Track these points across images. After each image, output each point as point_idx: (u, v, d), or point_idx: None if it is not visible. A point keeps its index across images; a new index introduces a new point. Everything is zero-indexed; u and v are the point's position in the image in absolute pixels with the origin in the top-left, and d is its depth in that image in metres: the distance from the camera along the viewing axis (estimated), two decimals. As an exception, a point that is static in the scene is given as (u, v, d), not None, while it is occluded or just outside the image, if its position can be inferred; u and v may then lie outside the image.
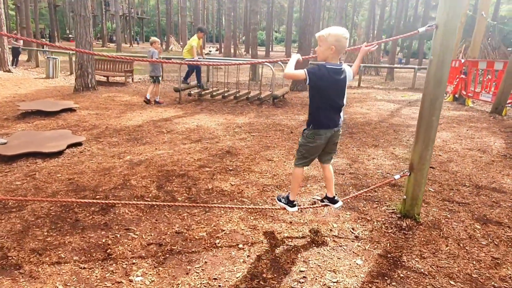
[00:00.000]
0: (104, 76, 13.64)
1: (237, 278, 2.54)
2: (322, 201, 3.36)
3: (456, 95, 10.98)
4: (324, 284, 2.49)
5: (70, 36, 54.97)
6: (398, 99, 11.33)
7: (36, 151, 4.68)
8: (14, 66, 16.86)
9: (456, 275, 2.64)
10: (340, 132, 3.02)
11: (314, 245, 2.98)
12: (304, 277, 2.56)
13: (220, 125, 6.92)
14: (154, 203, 3.46)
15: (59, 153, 4.83)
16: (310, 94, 2.89)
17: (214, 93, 9.42)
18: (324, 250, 2.91)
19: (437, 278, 2.60)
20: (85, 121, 6.90)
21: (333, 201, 3.21)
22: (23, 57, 20.34)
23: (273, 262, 2.73)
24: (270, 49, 43.42)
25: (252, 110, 8.46)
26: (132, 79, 14.35)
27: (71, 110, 7.61)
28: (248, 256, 2.80)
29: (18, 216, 3.22)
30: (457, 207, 3.65)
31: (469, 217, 3.46)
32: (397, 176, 3.34)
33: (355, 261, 2.77)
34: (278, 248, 2.91)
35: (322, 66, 2.71)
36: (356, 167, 4.70)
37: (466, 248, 2.99)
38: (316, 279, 2.55)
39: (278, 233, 3.15)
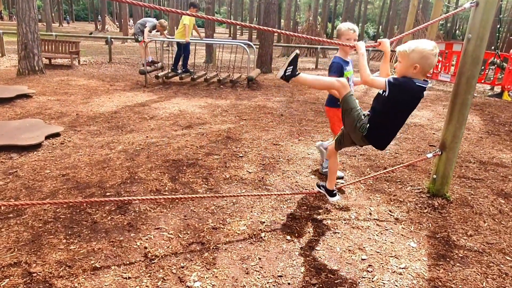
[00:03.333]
0: (46, 58, 12.23)
1: (302, 273, 2.34)
2: (319, 186, 3.14)
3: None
4: (394, 272, 2.39)
5: (-12, 13, 48.96)
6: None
7: (9, 144, 3.99)
8: None
9: (508, 250, 2.69)
10: None
11: (360, 230, 2.87)
12: (369, 265, 2.44)
13: (203, 108, 6.52)
14: (201, 195, 3.11)
15: (37, 145, 4.17)
16: (380, 104, 2.41)
17: (183, 76, 8.88)
18: (374, 235, 2.82)
19: (493, 255, 2.63)
20: (47, 108, 6.08)
21: (330, 193, 3.04)
22: None
23: (329, 252, 2.58)
24: (213, 31, 42.38)
25: (229, 93, 8.10)
26: (79, 61, 13.08)
27: (26, 96, 6.68)
28: (301, 248, 2.61)
29: (20, 223, 2.69)
30: (475, 184, 3.76)
31: (490, 193, 3.57)
32: (429, 155, 3.33)
33: (409, 244, 2.71)
34: (326, 237, 2.76)
35: (411, 81, 2.27)
36: (364, 148, 4.66)
37: (502, 223, 3.07)
38: (383, 267, 2.44)
39: (319, 221, 2.99)
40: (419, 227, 2.95)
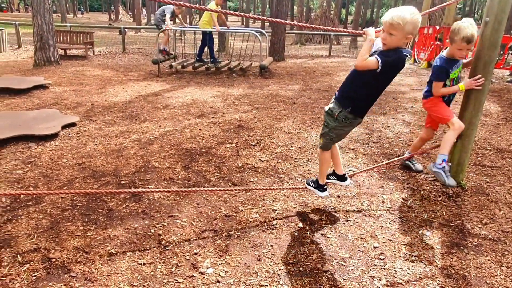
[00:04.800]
0: (62, 49, 12.39)
1: (314, 260, 2.36)
2: (328, 178, 3.04)
3: (431, 62, 11.25)
4: (406, 259, 2.38)
5: (3, 5, 49.77)
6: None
7: (28, 134, 4.09)
8: None
9: (524, 238, 2.65)
10: None
11: (373, 218, 2.86)
12: (382, 253, 2.44)
13: (215, 97, 6.53)
14: (213, 188, 3.15)
15: (54, 135, 4.27)
16: (363, 78, 2.41)
17: (196, 65, 8.88)
18: (386, 223, 2.81)
19: (508, 243, 2.59)
20: (63, 98, 6.20)
21: (342, 178, 2.98)
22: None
23: (341, 239, 2.58)
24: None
25: (242, 82, 8.08)
26: (93, 51, 13.22)
27: (43, 87, 6.81)
28: (313, 235, 2.62)
29: (39, 210, 2.78)
30: (491, 171, 3.69)
31: (507, 181, 3.50)
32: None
33: (422, 233, 2.69)
34: (338, 224, 2.76)
35: (401, 53, 2.28)
36: (377, 136, 4.62)
37: (518, 211, 3.02)
38: (395, 254, 2.43)
39: (331, 208, 2.99)
40: (432, 215, 2.92)
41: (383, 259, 2.39)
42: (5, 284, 2.05)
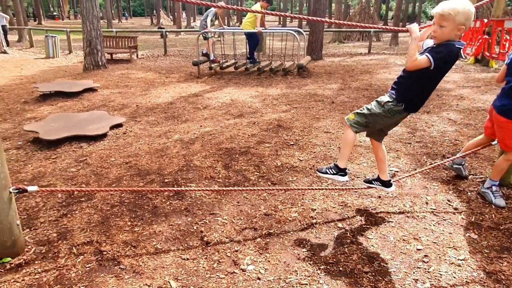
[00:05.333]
0: (108, 53, 13.04)
1: (354, 260, 2.34)
2: (370, 182, 2.93)
3: (479, 57, 10.67)
4: (452, 263, 2.31)
5: (55, 14, 53.02)
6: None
7: (80, 134, 4.37)
8: (7, 47, 16.07)
9: None
10: None
11: (415, 220, 2.79)
12: (425, 255, 2.38)
13: (254, 98, 6.61)
14: (256, 188, 3.22)
15: (103, 135, 4.53)
16: (418, 76, 2.32)
17: (237, 65, 9.02)
18: (430, 225, 2.72)
19: None
20: (111, 100, 6.54)
21: (386, 184, 2.83)
22: (12, 37, 19.47)
23: (382, 241, 2.54)
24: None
25: (280, 82, 8.11)
26: (137, 55, 13.79)
27: (92, 90, 7.22)
28: (353, 236, 2.60)
29: (91, 206, 2.97)
30: (547, 172, 3.46)
31: None
32: (494, 142, 3.12)
33: (469, 236, 2.59)
34: (380, 226, 2.72)
35: (452, 46, 2.19)
36: (420, 135, 4.47)
37: None
38: (439, 257, 2.36)
39: (372, 209, 2.95)
40: (480, 218, 2.80)
41: (427, 262, 2.33)
42: (63, 274, 2.22)
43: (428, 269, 2.26)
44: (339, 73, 9.15)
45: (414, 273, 2.22)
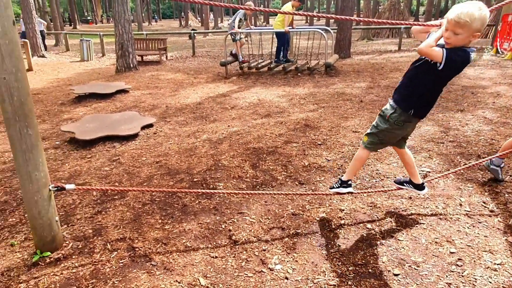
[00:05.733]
0: (139, 55, 13.41)
1: (384, 263, 2.30)
2: (401, 184, 2.89)
3: (517, 52, 10.16)
4: (488, 267, 2.22)
5: (88, 18, 55.03)
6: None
7: (113, 135, 4.54)
8: (45, 51, 16.84)
9: None
10: None
11: (449, 222, 2.70)
12: (459, 259, 2.30)
13: (281, 97, 6.61)
14: (280, 192, 3.24)
15: (135, 135, 4.67)
16: (428, 78, 2.27)
17: (260, 66, 9.04)
18: (464, 227, 2.63)
19: None
20: (141, 101, 6.73)
21: (419, 187, 2.78)
22: (49, 41, 20.36)
23: (413, 243, 2.48)
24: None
25: (307, 81, 8.06)
26: (166, 56, 14.09)
27: (124, 91, 7.46)
28: (382, 237, 2.55)
29: (124, 204, 3.07)
30: None
31: None
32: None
33: (506, 239, 2.48)
34: (411, 227, 2.65)
35: (468, 54, 2.11)
36: (453, 134, 4.32)
37: None
38: (474, 261, 2.28)
39: (402, 210, 2.88)
40: (519, 221, 2.68)
41: (461, 265, 2.25)
42: (98, 269, 2.32)
43: (462, 273, 2.18)
44: (368, 71, 8.98)
45: (447, 277, 2.16)
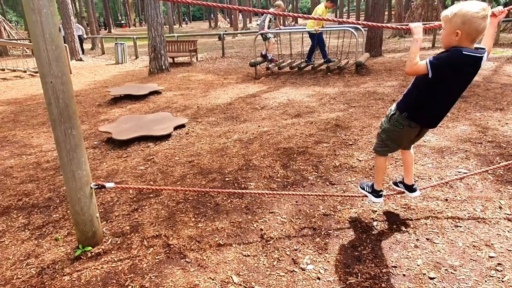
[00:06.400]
0: (170, 57, 13.73)
1: (418, 265, 2.26)
2: (396, 185, 2.88)
3: None
4: (530, 273, 2.13)
5: (122, 22, 56.90)
6: (490, 56, 10.11)
7: (147, 135, 4.69)
8: (83, 55, 17.58)
9: None
10: None
11: (487, 225, 2.61)
12: (499, 264, 2.22)
13: (311, 97, 6.58)
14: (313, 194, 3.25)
15: (168, 135, 4.81)
16: (421, 84, 2.24)
17: (292, 65, 9.02)
18: (504, 231, 2.53)
19: None
20: (173, 102, 6.90)
21: (410, 189, 2.73)
22: (86, 45, 21.21)
23: (450, 246, 2.41)
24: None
25: (337, 80, 7.97)
26: (197, 58, 14.34)
27: (157, 92, 7.67)
28: (417, 239, 2.50)
29: (159, 202, 3.18)
30: None
31: None
32: None
33: (550, 244, 2.37)
34: (446, 230, 2.58)
35: (456, 53, 2.01)
36: (492, 134, 4.15)
37: None
38: (515, 266, 2.20)
39: (438, 212, 2.81)
40: None
41: (501, 270, 2.17)
42: (135, 264, 2.41)
43: (502, 278, 2.11)
44: (400, 70, 8.76)
45: (486, 282, 2.09)
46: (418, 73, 2.15)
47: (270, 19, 9.11)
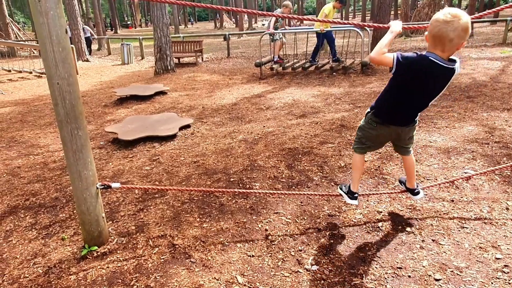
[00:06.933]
0: (176, 57, 13.77)
1: (424, 267, 2.25)
2: (402, 183, 2.88)
3: None
4: (538, 275, 2.11)
5: (128, 23, 57.23)
6: (498, 56, 10.06)
7: (152, 135, 4.72)
8: (89, 55, 17.71)
9: None
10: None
11: (494, 226, 2.58)
12: (505, 265, 2.20)
13: (316, 97, 6.57)
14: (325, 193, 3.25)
15: (173, 136, 4.83)
16: (391, 83, 2.29)
17: (296, 66, 9.02)
18: (511, 232, 2.51)
19: None
20: (179, 102, 6.93)
21: (413, 192, 2.73)
22: (93, 46, 21.36)
23: (456, 247, 2.40)
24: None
25: (342, 80, 7.96)
26: (202, 58, 14.38)
27: (162, 93, 7.71)
28: (422, 240, 2.49)
29: (164, 202, 3.19)
30: None
31: None
32: None
33: (559, 246, 2.35)
34: (452, 231, 2.56)
35: (423, 57, 2.05)
36: (499, 134, 4.11)
37: None
38: (522, 268, 2.17)
39: (444, 213, 2.79)
40: None
41: (508, 272, 2.15)
42: (141, 264, 2.43)
43: (509, 280, 2.09)
44: (407, 70, 8.71)
45: (492, 283, 2.08)
46: (382, 63, 2.15)
47: (277, 19, 9.09)
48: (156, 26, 10.30)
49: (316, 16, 9.27)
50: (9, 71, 12.92)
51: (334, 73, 8.64)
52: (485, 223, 2.63)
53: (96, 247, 2.59)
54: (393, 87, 2.27)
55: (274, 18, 8.92)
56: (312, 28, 8.99)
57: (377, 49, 2.11)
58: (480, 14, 2.87)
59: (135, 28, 53.04)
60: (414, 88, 2.18)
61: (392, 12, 25.65)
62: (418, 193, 2.74)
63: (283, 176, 3.54)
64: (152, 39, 10.72)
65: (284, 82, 8.29)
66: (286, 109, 5.92)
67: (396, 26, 2.25)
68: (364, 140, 2.55)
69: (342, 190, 2.78)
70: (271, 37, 9.20)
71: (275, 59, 9.42)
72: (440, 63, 2.02)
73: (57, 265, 2.47)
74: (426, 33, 2.10)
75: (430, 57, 2.02)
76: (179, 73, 10.63)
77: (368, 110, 2.48)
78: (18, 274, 2.42)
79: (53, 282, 2.31)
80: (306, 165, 3.72)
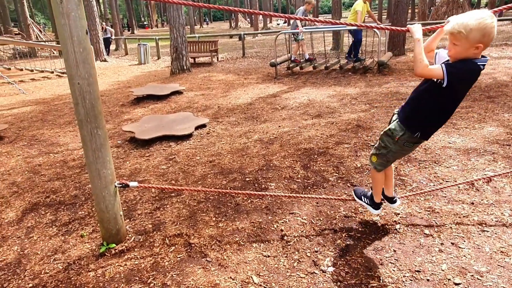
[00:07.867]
0: (191, 57, 13.88)
1: (443, 271, 2.20)
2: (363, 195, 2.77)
3: None
4: (562, 281, 2.05)
5: (145, 23, 57.90)
6: (520, 54, 9.79)
7: (169, 134, 4.76)
8: (107, 56, 18.01)
9: None
10: None
11: (517, 231, 2.52)
12: (528, 271, 2.15)
13: (331, 97, 6.52)
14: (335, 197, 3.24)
15: (189, 135, 4.87)
16: (435, 99, 2.09)
17: (316, 65, 8.98)
18: (535, 237, 2.44)
19: None
20: (195, 102, 6.98)
21: (391, 200, 2.65)
22: (111, 46, 21.71)
23: (476, 251, 2.34)
24: (340, 17, 41.08)
25: (359, 80, 7.87)
26: (217, 58, 14.45)
27: (178, 92, 7.78)
28: (441, 244, 2.44)
29: (180, 201, 3.22)
30: None
31: None
32: None
33: None
34: (472, 234, 2.51)
35: (472, 64, 1.92)
36: (522, 136, 4.01)
37: None
38: (546, 274, 2.11)
39: (464, 216, 2.73)
40: None
41: (531, 278, 2.10)
42: (157, 262, 2.46)
43: (532, 286, 2.04)
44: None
45: (514, 289, 2.02)
46: (431, 76, 2.03)
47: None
48: (172, 27, 10.39)
49: (334, 15, 9.22)
50: (32, 71, 13.25)
51: (350, 73, 8.55)
52: (506, 226, 2.57)
53: (114, 245, 2.63)
54: (441, 100, 2.09)
55: (299, 15, 8.91)
56: (330, 27, 8.94)
57: (418, 64, 2.01)
58: (499, 8, 2.78)
59: (152, 28, 53.66)
60: (461, 97, 2.12)
61: (410, 11, 25.23)
62: (395, 201, 2.67)
63: (299, 176, 3.52)
64: (168, 39, 10.83)
65: (299, 82, 8.25)
66: (302, 109, 5.89)
67: (417, 32, 2.14)
68: (393, 158, 2.45)
69: (363, 201, 2.72)
70: (294, 36, 9.20)
71: (292, 58, 9.40)
72: (484, 63, 1.95)
73: (76, 262, 2.52)
74: (447, 45, 1.99)
75: (478, 63, 1.93)
76: (194, 73, 10.70)
77: (400, 134, 2.25)
78: (39, 269, 2.48)
79: (72, 279, 2.36)
80: (321, 165, 3.69)
